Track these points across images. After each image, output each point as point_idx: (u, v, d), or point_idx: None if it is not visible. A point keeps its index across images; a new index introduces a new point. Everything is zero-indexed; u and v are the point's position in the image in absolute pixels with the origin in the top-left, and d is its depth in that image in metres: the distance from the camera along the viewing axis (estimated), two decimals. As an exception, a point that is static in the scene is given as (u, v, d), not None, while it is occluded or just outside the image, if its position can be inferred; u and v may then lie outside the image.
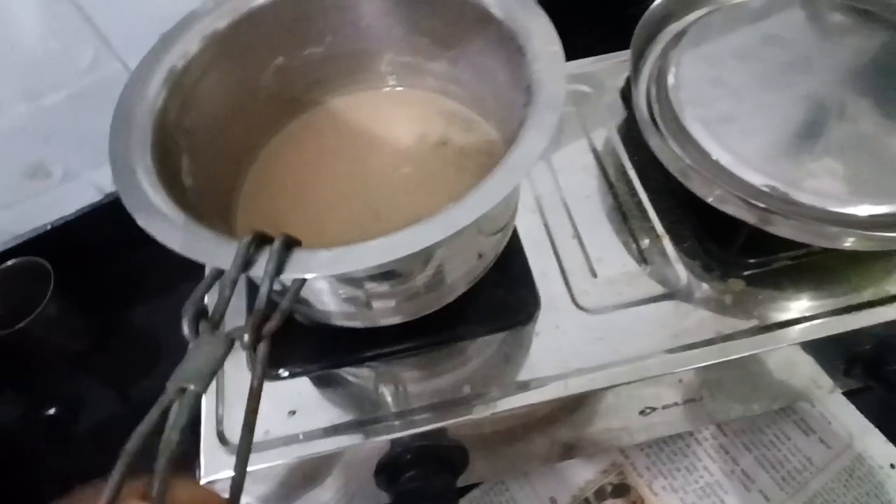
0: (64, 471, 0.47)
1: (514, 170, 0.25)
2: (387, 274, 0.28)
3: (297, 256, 0.23)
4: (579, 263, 0.37)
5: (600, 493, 0.39)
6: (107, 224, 0.43)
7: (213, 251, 0.24)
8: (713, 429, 0.40)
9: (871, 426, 0.39)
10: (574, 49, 0.47)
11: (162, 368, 0.42)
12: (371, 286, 0.28)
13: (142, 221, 0.24)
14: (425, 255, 0.25)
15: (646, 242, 0.38)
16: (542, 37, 0.28)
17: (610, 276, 0.36)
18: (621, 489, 0.39)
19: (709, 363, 0.33)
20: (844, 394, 0.40)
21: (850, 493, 0.37)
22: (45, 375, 0.50)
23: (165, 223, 0.25)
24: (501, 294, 0.34)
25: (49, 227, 0.49)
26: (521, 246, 0.35)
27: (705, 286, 0.35)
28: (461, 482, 0.38)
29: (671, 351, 0.33)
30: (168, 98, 0.30)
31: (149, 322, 0.53)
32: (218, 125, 0.34)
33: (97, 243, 0.51)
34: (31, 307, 0.44)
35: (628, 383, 0.33)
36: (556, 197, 0.40)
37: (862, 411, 0.39)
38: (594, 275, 0.37)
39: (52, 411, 0.49)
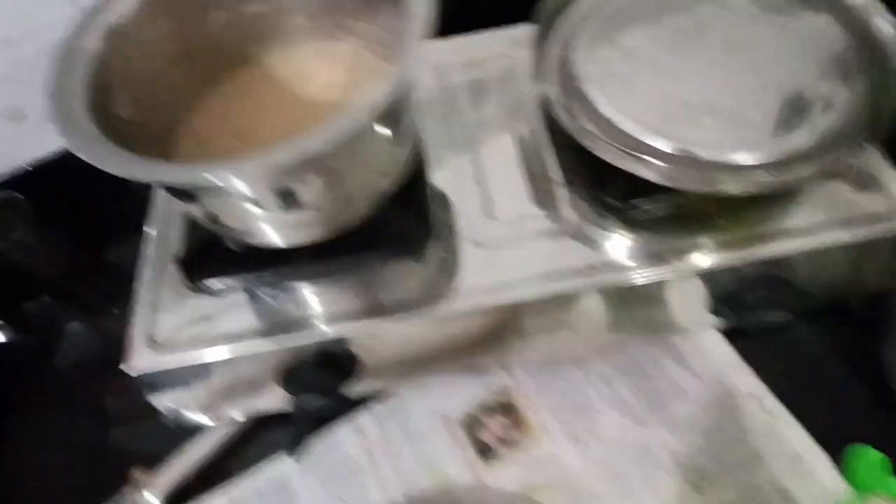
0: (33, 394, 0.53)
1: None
2: (286, 194, 0.32)
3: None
4: (479, 204, 0.42)
5: (487, 410, 0.43)
6: (86, 166, 0.48)
7: (116, 161, 0.29)
8: (595, 358, 0.44)
9: (740, 361, 0.42)
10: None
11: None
12: (273, 201, 0.33)
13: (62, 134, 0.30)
14: (315, 160, 0.30)
15: (545, 189, 0.42)
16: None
17: (508, 217, 0.41)
18: (506, 408, 0.43)
19: (587, 290, 0.38)
20: (719, 331, 0.44)
21: (714, 419, 0.41)
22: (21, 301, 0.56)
23: (84, 138, 0.31)
24: (401, 224, 0.39)
25: (28, 168, 0.55)
26: (424, 181, 0.40)
27: (593, 229, 0.39)
28: (361, 393, 0.43)
29: (552, 279, 0.38)
30: (105, 49, 0.36)
31: (121, 258, 0.58)
32: (156, 71, 0.39)
33: (74, 184, 0.56)
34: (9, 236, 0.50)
35: (512, 304, 0.37)
36: (466, 143, 0.45)
37: (734, 347, 0.43)
38: (492, 216, 0.41)
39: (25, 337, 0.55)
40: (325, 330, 0.39)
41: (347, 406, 0.43)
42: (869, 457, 0.37)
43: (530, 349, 0.41)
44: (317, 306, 0.40)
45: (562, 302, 0.39)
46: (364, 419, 0.44)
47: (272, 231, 0.35)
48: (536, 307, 0.39)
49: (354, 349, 0.40)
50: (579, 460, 0.41)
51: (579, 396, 0.43)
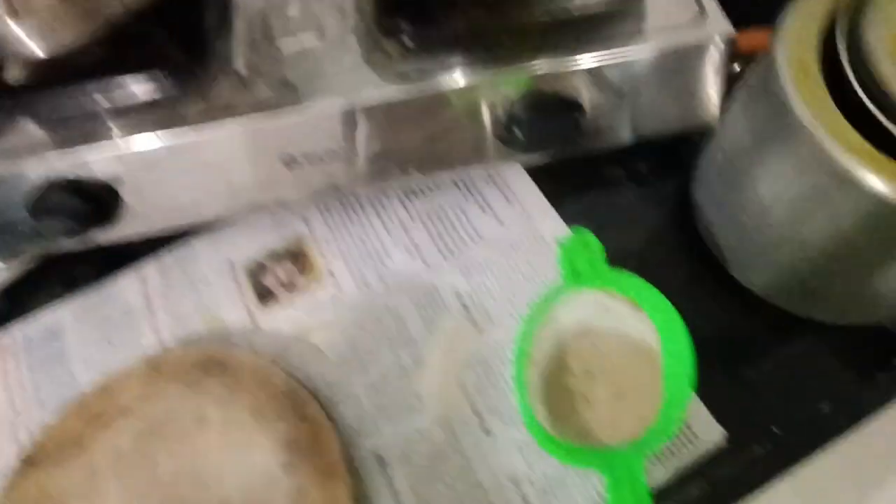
0: None
1: None
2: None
3: None
4: (260, 33, 0.38)
5: (276, 257, 0.41)
6: None
7: None
8: (398, 207, 0.41)
9: (546, 203, 0.40)
10: None
11: None
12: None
13: None
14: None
15: (334, 18, 0.38)
16: None
17: (291, 50, 0.37)
18: (295, 255, 0.41)
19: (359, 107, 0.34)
20: (527, 170, 0.41)
21: (510, 263, 0.38)
22: None
23: None
24: (165, 36, 0.35)
25: None
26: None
27: (379, 51, 0.36)
28: (141, 234, 0.39)
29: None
30: None
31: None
32: None
33: None
34: None
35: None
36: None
37: (540, 188, 0.40)
38: (277, 47, 0.38)
39: None
40: (72, 155, 0.35)
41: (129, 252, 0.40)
42: (585, 243, 0.35)
43: (301, 186, 0.39)
44: (56, 130, 0.36)
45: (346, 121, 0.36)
46: (148, 267, 0.41)
47: None
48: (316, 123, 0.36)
49: (107, 178, 0.37)
50: (362, 302, 0.38)
51: (375, 243, 0.41)
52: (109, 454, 0.35)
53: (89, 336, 0.40)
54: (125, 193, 0.38)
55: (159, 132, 0.34)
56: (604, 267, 0.35)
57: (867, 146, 0.26)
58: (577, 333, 0.34)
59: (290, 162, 0.37)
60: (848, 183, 0.27)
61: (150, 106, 0.35)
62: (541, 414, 0.31)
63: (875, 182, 0.26)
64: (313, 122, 0.35)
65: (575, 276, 0.35)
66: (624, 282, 0.34)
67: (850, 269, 0.32)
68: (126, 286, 0.41)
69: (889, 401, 0.34)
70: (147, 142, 0.35)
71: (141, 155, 0.35)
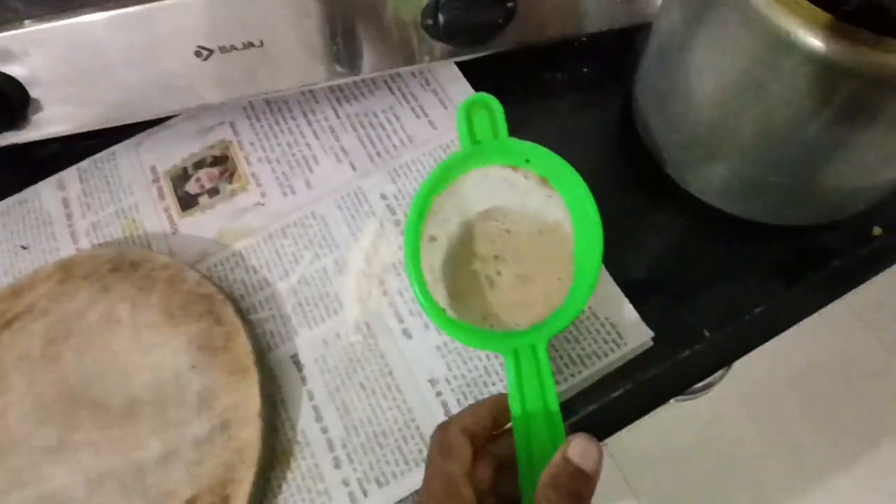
0: None
1: None
2: None
3: None
4: None
5: (200, 164, 0.39)
6: None
7: None
8: (328, 111, 0.39)
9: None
10: None
11: None
12: None
13: None
14: None
15: None
16: None
17: None
18: (220, 160, 0.39)
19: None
20: (461, 70, 0.39)
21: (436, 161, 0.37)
22: None
23: None
24: None
25: None
26: None
27: None
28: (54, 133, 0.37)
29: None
30: None
31: None
32: None
33: None
34: None
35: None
36: None
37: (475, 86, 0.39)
38: None
39: None
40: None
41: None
42: (485, 104, 0.32)
43: (223, 84, 0.37)
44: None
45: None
46: (69, 174, 0.40)
47: None
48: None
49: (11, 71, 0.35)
50: (284, 207, 0.37)
51: (303, 148, 0.39)
52: (17, 355, 0.34)
53: (6, 243, 0.38)
54: (32, 88, 0.36)
55: (59, 15, 0.32)
56: (505, 134, 0.32)
57: (802, 1, 0.24)
58: (484, 214, 0.32)
59: (205, 54, 0.36)
60: (784, 47, 0.24)
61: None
62: (440, 295, 0.30)
63: (812, 41, 0.24)
64: (224, 4, 0.33)
65: (473, 141, 0.31)
66: (531, 153, 0.31)
67: (786, 159, 0.30)
68: (46, 194, 0.39)
69: (824, 304, 0.33)
70: (48, 28, 0.32)
71: (42, 43, 0.33)
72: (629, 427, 0.32)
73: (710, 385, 0.83)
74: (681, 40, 0.30)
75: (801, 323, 0.33)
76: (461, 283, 0.30)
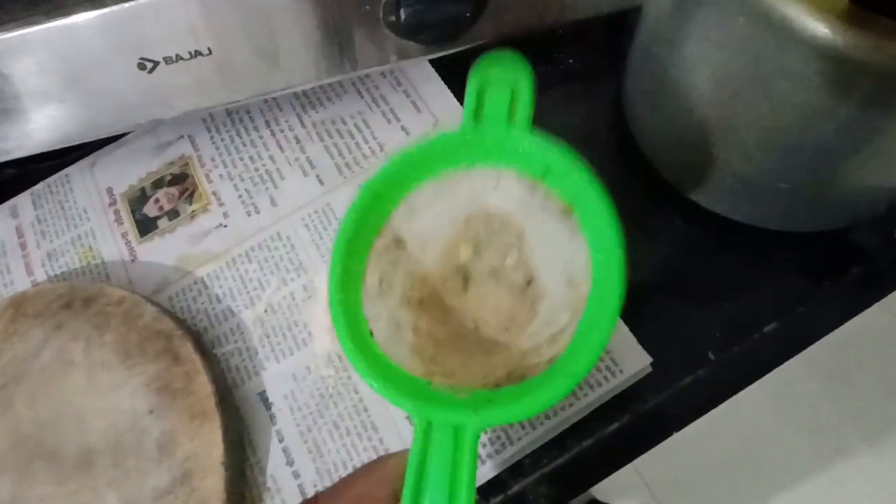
0: None
1: None
2: None
3: None
4: None
5: (158, 183, 0.36)
6: None
7: None
8: (293, 120, 0.36)
9: (457, 104, 0.34)
10: None
11: None
12: None
13: None
14: None
15: None
16: None
17: None
18: (179, 178, 0.36)
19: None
20: (436, 68, 0.36)
21: None
22: None
23: None
24: None
25: None
26: None
27: None
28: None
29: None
30: None
31: None
32: None
33: None
34: None
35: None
36: None
37: (455, 93, 0.35)
38: None
39: None
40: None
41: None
42: (509, 66, 0.24)
43: (176, 97, 0.33)
44: None
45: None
46: (22, 200, 0.37)
47: None
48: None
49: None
50: (248, 228, 0.34)
51: (267, 162, 0.36)
52: (-31, 402, 0.32)
53: (-43, 277, 0.36)
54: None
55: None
56: (526, 122, 0.24)
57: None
58: (482, 228, 0.25)
59: (149, 66, 0.33)
60: (790, 38, 0.21)
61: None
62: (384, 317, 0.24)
63: (823, 31, 0.20)
64: (163, 10, 0.29)
65: (476, 120, 0.24)
66: (554, 160, 0.24)
67: (796, 163, 0.27)
68: (-1, 223, 0.38)
69: (847, 317, 0.30)
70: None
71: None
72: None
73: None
74: (671, 31, 0.26)
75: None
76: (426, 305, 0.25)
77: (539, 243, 0.25)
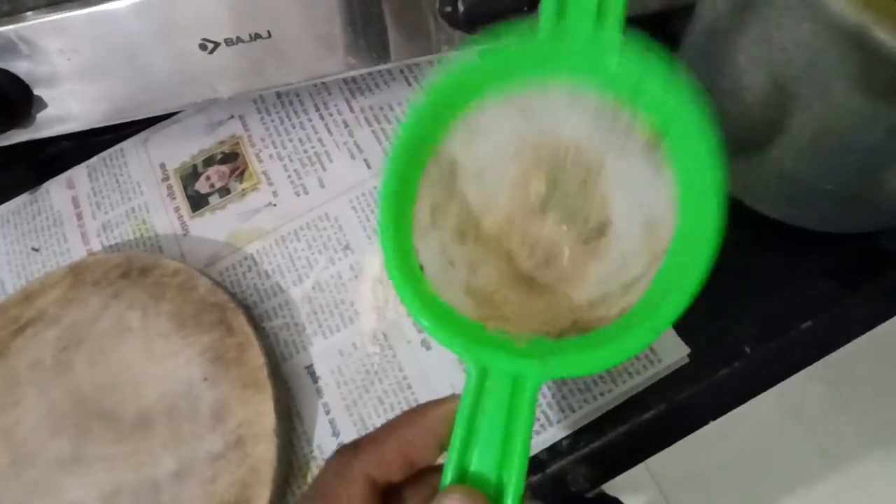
0: None
1: None
2: None
3: None
4: None
5: (209, 161, 0.37)
6: None
7: None
8: (342, 105, 0.37)
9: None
10: None
11: None
12: None
13: None
14: None
15: None
16: None
17: None
18: (230, 157, 0.37)
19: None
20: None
21: None
22: None
23: None
24: None
25: None
26: None
27: None
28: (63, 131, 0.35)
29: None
30: None
31: None
32: None
33: None
34: None
35: None
36: None
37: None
38: None
39: None
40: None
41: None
42: None
43: (234, 77, 0.35)
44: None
45: None
46: (78, 172, 0.39)
47: None
48: None
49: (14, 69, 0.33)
50: (296, 208, 0.35)
51: (315, 145, 0.37)
52: (30, 363, 0.33)
53: (18, 244, 0.37)
54: (35, 85, 0.34)
55: (60, 8, 0.31)
56: (618, 24, 0.19)
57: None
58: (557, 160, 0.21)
59: (210, 47, 0.34)
60: (857, 46, 0.21)
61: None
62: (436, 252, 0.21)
63: (889, 38, 0.20)
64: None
65: (557, 24, 0.19)
66: (646, 76, 0.19)
67: (848, 166, 0.27)
68: (55, 193, 0.38)
69: (883, 318, 0.31)
70: (49, 21, 0.31)
71: (44, 37, 0.31)
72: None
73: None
74: (729, 31, 0.27)
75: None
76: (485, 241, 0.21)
77: (616, 178, 0.22)
